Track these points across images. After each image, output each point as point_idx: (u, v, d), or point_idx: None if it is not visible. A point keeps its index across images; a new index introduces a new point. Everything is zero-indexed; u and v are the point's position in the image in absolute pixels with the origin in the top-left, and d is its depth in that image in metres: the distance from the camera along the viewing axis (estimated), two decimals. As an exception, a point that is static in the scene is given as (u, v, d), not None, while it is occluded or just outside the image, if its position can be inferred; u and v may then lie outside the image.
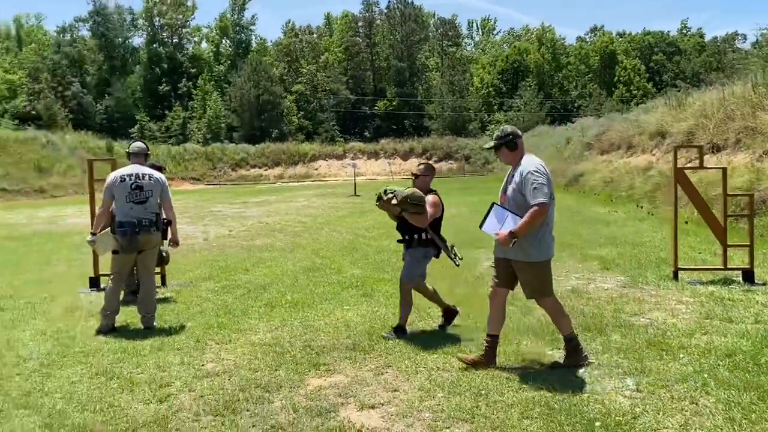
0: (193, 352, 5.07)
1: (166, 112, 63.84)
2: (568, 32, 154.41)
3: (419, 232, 5.32)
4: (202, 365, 4.74)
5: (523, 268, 4.49)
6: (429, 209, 5.22)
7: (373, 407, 3.90)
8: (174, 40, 70.79)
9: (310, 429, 3.59)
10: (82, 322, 6.11)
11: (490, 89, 64.56)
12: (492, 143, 4.54)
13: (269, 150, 52.99)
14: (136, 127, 60.17)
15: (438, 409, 3.82)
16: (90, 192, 7.98)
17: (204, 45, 74.75)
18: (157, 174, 5.86)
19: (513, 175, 4.45)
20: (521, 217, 4.33)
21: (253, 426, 3.65)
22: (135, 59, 70.76)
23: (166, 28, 70.19)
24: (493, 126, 59.34)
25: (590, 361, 4.51)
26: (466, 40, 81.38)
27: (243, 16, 72.10)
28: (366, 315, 6.12)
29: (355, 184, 27.09)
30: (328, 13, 78.77)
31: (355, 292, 7.19)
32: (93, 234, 5.90)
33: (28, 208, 23.61)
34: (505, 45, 78.78)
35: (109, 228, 5.80)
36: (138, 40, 72.67)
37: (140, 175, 5.73)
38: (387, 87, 67.53)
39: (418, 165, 5.61)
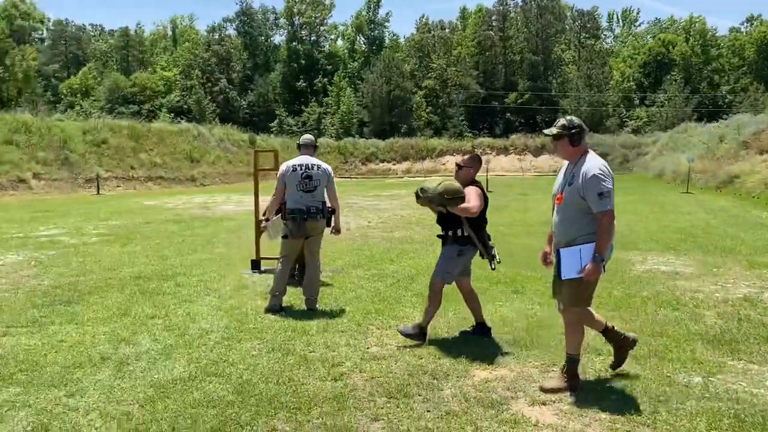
0: (357, 335, 5.28)
1: (303, 107, 66.72)
2: (721, 23, 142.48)
3: (456, 228, 4.99)
4: (368, 348, 4.92)
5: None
6: (475, 202, 4.83)
7: (544, 404, 3.85)
8: (312, 38, 73.75)
9: (484, 419, 3.62)
10: (250, 300, 6.56)
11: (631, 83, 61.27)
12: (555, 131, 4.04)
13: (398, 145, 53.78)
14: (275, 121, 63.56)
15: (614, 410, 3.71)
16: (255, 181, 8.54)
17: (340, 42, 77.20)
18: (324, 165, 6.15)
19: (573, 175, 4.00)
20: (581, 233, 3.94)
21: (428, 411, 3.74)
22: (275, 57, 74.53)
23: (305, 26, 73.31)
24: (632, 122, 56.40)
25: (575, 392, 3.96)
26: (605, 32, 77.74)
27: (378, 13, 73.65)
28: (521, 311, 6.06)
29: (487, 179, 26.81)
30: (464, 8, 78.38)
31: (504, 288, 7.14)
32: (266, 220, 6.31)
33: (182, 195, 25.71)
34: (648, 37, 74.35)
35: (281, 214, 6.18)
36: (279, 38, 76.50)
37: (310, 166, 6.05)
38: (519, 81, 66.14)
39: (464, 155, 5.24)
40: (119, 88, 62.05)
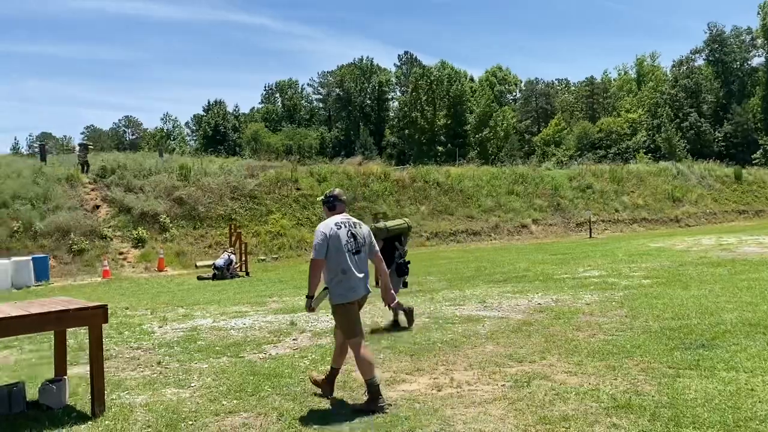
0: None
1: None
2: None
3: None
4: None
5: (332, 310, 5.11)
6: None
7: None
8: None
9: None
10: None
11: None
12: (320, 198, 5.48)
13: None
14: (758, 152, 56.31)
15: None
16: None
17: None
18: None
19: None
20: None
21: None
22: (753, 80, 66.46)
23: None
24: None
25: (386, 410, 4.65)
26: None
27: None
28: None
29: None
30: None
31: None
32: None
33: (673, 237, 24.25)
34: None
35: None
36: (757, 60, 68.10)
37: None
38: None
39: None
40: (587, 135, 64.45)
